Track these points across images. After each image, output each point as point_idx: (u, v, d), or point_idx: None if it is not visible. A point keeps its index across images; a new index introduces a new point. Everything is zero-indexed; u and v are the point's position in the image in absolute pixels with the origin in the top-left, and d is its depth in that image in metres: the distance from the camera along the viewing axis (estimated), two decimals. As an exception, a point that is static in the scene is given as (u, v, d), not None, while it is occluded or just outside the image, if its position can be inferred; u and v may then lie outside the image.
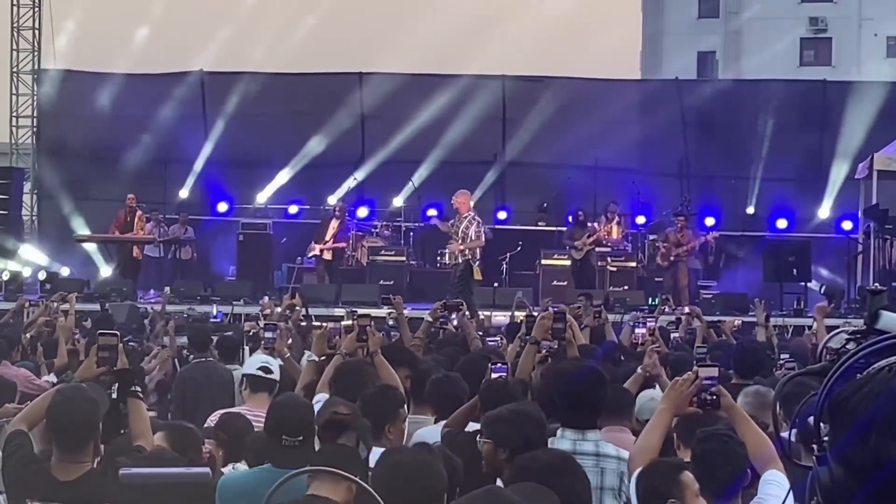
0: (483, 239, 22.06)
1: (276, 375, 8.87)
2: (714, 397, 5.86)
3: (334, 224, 25.74)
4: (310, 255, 26.12)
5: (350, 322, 9.91)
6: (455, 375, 8.23)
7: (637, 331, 13.21)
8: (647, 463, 5.80)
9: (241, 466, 7.09)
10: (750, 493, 5.70)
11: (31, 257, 27.28)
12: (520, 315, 17.42)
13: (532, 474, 5.21)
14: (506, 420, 5.94)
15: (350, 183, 28.51)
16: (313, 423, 6.32)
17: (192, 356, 13.01)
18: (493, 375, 7.63)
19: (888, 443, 1.98)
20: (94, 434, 6.11)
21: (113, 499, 4.98)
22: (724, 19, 54.82)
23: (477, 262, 21.81)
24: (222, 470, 7.06)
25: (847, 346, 2.41)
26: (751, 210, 28.83)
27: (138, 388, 6.65)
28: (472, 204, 22.22)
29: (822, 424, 2.15)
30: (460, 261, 21.78)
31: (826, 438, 2.12)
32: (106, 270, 26.13)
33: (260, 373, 8.82)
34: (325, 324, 10.08)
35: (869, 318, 2.62)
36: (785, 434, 2.71)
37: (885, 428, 2.00)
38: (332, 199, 27.51)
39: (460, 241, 21.71)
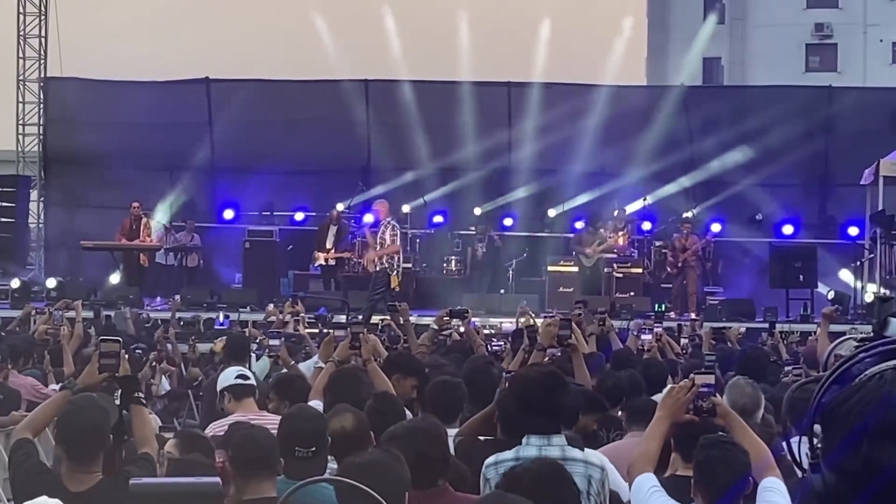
0: (398, 244, 22.33)
1: (253, 381, 9.12)
2: (711, 405, 5.86)
3: (332, 230, 25.75)
4: (316, 264, 26.13)
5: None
6: (455, 381, 8.20)
7: (643, 337, 13.21)
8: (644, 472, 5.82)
9: None
10: (749, 500, 5.70)
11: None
12: (525, 322, 17.42)
13: (523, 483, 5.22)
14: (400, 436, 5.89)
15: (361, 196, 28.44)
16: (326, 433, 6.32)
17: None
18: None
19: (880, 451, 1.98)
20: (105, 443, 6.08)
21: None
22: (730, 25, 54.77)
23: (395, 271, 22.05)
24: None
25: (857, 354, 2.40)
26: (759, 216, 28.73)
27: (141, 395, 6.63)
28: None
29: (815, 432, 2.15)
30: (378, 269, 22.00)
31: (819, 446, 2.12)
32: (115, 278, 26.12)
33: (239, 381, 8.97)
34: (331, 330, 10.06)
35: (878, 324, 2.61)
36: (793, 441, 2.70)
37: (877, 436, 2.00)
38: (341, 206, 27.55)
39: (378, 248, 21.99)
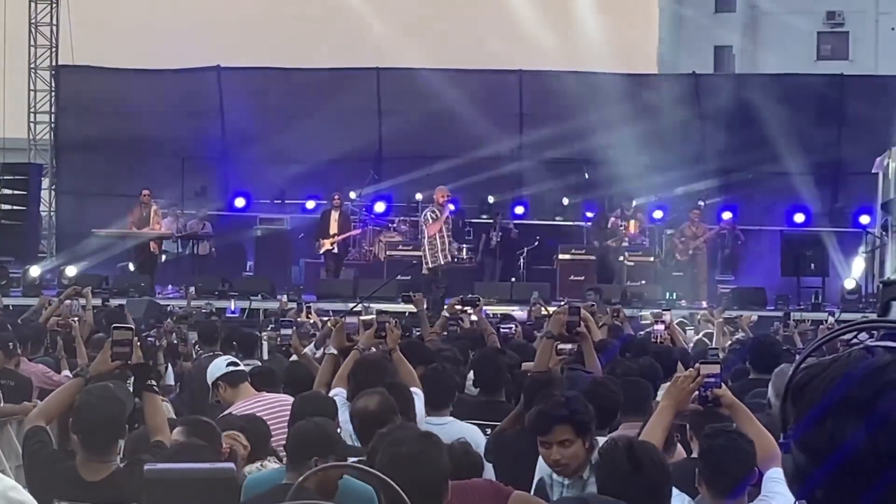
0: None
1: (243, 366, 9.24)
2: (716, 395, 5.84)
3: (335, 216, 25.63)
4: (321, 252, 26.04)
5: (369, 317, 9.96)
6: (447, 370, 8.30)
7: (657, 328, 13.27)
8: None
9: (271, 465, 7.07)
10: (754, 490, 5.70)
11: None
12: (536, 311, 17.45)
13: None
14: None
15: (370, 186, 28.45)
16: (336, 418, 6.35)
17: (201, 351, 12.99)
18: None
19: (843, 427, 2.00)
20: (122, 433, 6.09)
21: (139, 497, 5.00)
22: (742, 14, 54.65)
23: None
24: (245, 471, 7.04)
25: (858, 337, 2.42)
26: (770, 204, 28.67)
27: (154, 383, 6.63)
28: None
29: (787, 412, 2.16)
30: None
31: (791, 426, 2.13)
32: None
33: (231, 367, 8.99)
34: (342, 318, 10.05)
35: (881, 308, 2.64)
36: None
37: (841, 413, 2.01)
38: (353, 195, 27.53)
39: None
